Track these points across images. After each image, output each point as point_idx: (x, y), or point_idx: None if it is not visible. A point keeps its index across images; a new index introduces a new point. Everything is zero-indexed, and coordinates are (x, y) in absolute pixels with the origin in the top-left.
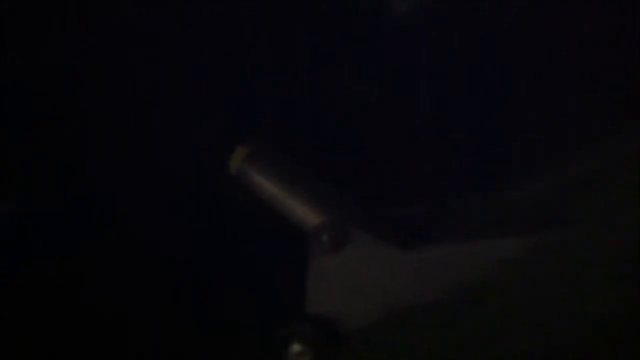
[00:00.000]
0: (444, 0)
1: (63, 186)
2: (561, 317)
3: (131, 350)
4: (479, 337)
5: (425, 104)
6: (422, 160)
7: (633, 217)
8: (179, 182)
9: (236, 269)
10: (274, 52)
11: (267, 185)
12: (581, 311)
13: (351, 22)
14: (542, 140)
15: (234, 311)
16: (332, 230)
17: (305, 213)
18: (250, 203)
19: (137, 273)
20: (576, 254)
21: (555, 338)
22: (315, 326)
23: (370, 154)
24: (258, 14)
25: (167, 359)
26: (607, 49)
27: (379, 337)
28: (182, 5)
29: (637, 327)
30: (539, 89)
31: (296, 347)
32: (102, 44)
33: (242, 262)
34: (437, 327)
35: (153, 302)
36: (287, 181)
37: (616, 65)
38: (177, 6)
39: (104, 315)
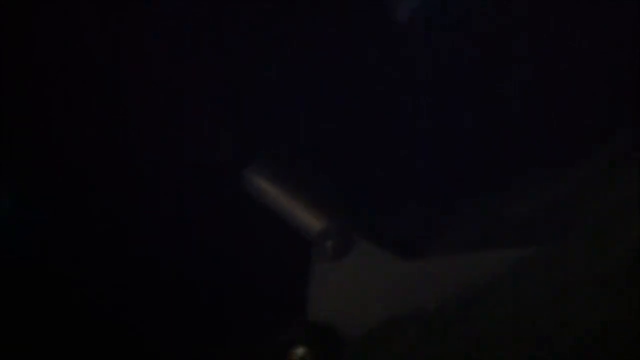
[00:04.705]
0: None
1: (59, 184)
2: (557, 325)
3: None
4: (475, 347)
5: (426, 114)
6: (422, 170)
7: (627, 230)
8: (182, 185)
9: (236, 272)
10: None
11: (270, 190)
12: (578, 319)
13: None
14: (537, 155)
15: (233, 315)
16: (335, 237)
17: (308, 219)
18: (252, 206)
19: (138, 273)
20: (571, 266)
21: (552, 346)
22: (316, 332)
23: (372, 161)
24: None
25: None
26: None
27: (379, 344)
28: None
29: (635, 334)
30: (541, 99)
31: (299, 352)
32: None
33: (242, 265)
34: (434, 336)
35: (152, 302)
36: (290, 186)
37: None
38: None
39: (103, 315)
